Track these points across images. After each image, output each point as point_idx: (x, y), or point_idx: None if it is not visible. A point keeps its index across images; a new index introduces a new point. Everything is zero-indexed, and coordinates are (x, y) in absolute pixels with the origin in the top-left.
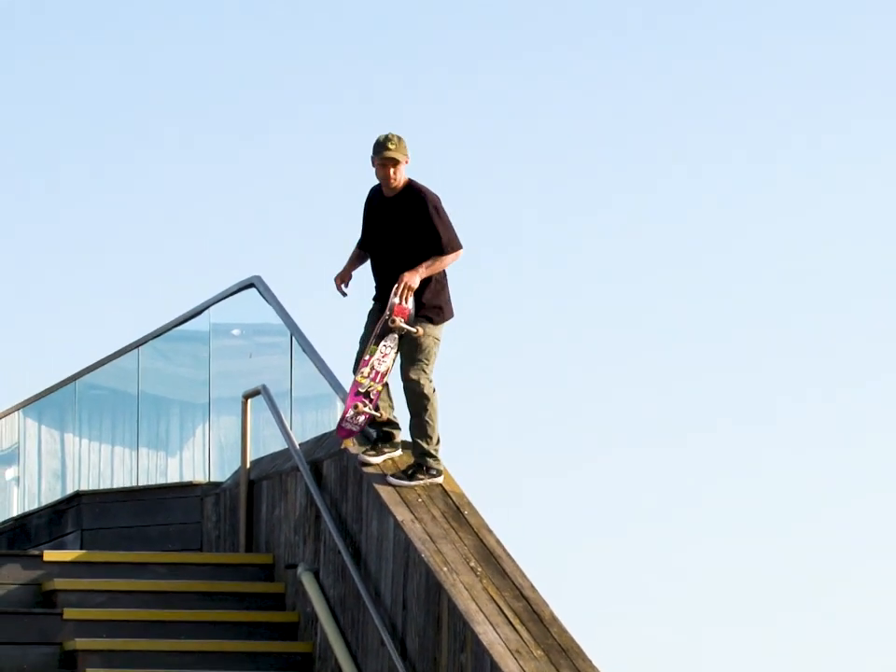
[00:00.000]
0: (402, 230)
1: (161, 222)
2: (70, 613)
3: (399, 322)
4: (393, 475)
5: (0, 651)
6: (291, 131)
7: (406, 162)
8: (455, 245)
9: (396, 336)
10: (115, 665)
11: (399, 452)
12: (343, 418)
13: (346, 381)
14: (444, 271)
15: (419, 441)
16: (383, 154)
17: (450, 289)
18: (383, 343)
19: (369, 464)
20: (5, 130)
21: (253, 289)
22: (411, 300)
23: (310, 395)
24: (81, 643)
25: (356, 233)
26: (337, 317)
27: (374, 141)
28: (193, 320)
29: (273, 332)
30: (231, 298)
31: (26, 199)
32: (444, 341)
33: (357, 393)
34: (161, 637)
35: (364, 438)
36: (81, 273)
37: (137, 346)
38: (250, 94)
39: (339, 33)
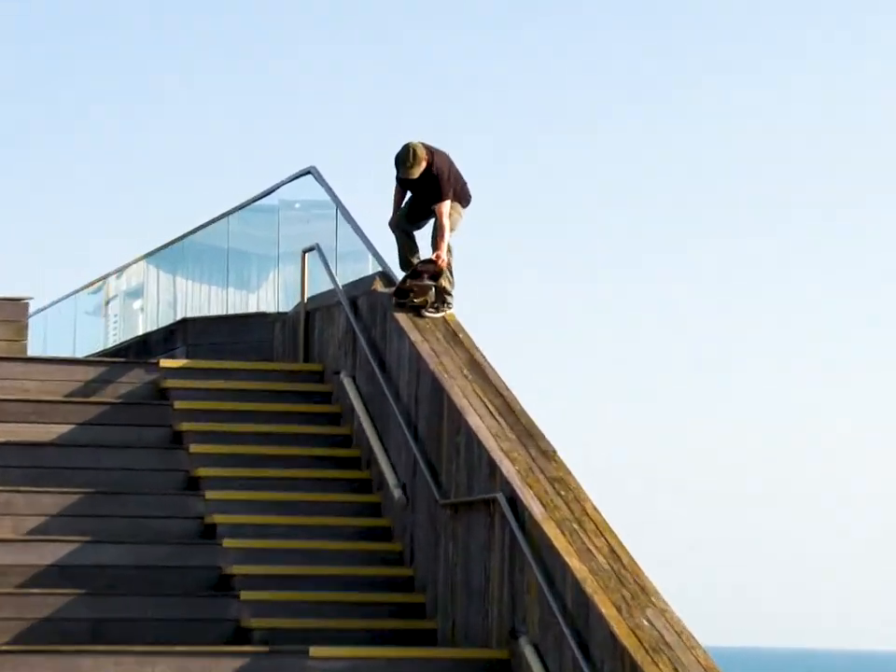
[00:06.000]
0: (425, 191)
1: (244, 121)
2: (179, 405)
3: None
4: (425, 310)
5: (127, 430)
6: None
7: (422, 164)
8: (446, 196)
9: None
10: (211, 442)
11: (452, 311)
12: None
13: (376, 240)
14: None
15: (445, 283)
16: (406, 174)
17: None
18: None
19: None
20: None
21: (310, 175)
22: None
23: (349, 251)
24: (186, 426)
25: (383, 134)
26: (370, 196)
27: (397, 157)
28: (267, 197)
29: (324, 206)
30: (294, 182)
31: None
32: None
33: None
34: (245, 422)
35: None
36: (188, 160)
37: (227, 215)
38: None
39: None
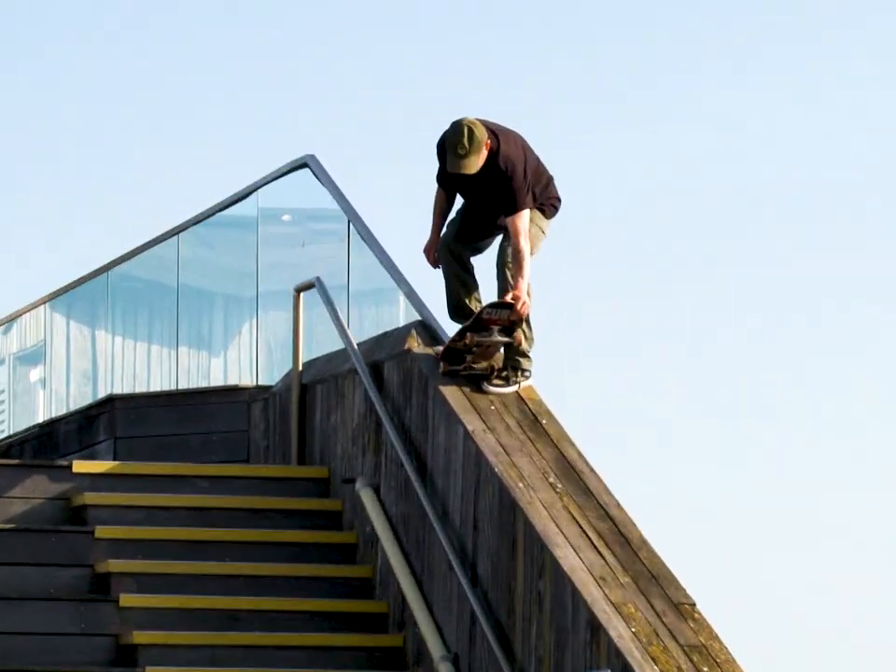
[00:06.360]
0: (488, 195)
1: (202, 95)
2: (102, 532)
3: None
4: (489, 382)
5: (25, 572)
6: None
7: (482, 152)
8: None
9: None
10: (151, 590)
11: (530, 382)
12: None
13: (411, 272)
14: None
15: (522, 340)
16: (457, 167)
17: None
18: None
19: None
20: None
21: (306, 170)
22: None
23: (369, 289)
24: (114, 565)
25: (417, 117)
26: (401, 203)
27: (442, 140)
28: (239, 204)
29: (329, 218)
30: (281, 179)
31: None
32: None
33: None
34: (202, 559)
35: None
36: (114, 150)
37: (177, 233)
38: None
39: None
